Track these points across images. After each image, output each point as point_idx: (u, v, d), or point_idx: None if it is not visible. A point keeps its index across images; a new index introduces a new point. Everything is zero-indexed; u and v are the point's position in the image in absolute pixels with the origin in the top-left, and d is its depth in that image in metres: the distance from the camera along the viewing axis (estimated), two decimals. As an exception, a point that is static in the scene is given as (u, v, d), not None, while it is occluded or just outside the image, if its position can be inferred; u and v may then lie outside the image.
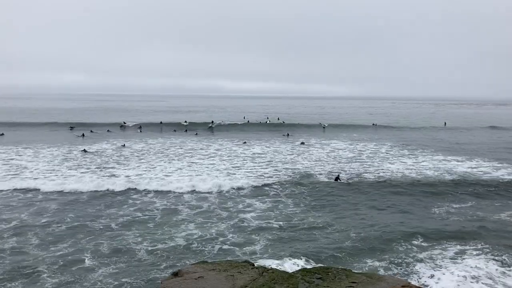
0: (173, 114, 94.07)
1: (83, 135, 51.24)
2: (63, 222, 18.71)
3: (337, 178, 26.74)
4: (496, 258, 14.85)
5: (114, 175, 28.06)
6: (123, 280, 13.28)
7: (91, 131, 55.51)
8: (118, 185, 25.14)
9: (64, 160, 33.78)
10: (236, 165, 32.55)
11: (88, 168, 30.33)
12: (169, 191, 24.25)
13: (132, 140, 47.16)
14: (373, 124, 61.63)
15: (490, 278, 13.33)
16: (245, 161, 34.24)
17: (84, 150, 38.03)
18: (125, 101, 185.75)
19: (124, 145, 42.40)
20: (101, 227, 18.19)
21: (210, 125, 63.71)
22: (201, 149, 41.44)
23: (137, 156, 36.47)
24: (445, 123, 72.59)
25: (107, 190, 24.43)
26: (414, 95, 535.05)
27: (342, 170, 30.49)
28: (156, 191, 24.26)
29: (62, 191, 24.08)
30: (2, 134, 50.45)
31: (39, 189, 24.29)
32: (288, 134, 54.87)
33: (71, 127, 58.50)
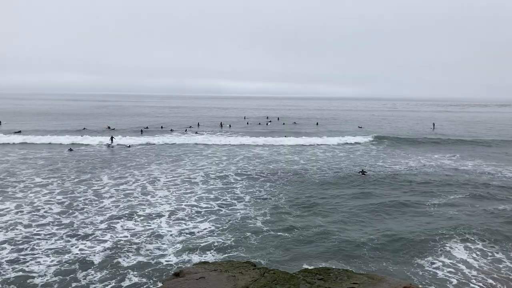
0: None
1: None
2: None
3: (362, 172, 28.39)
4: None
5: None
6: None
7: None
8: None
9: None
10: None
11: None
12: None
13: None
14: (359, 127, 65.41)
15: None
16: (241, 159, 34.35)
17: None
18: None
19: None
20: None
21: None
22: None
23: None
24: (433, 124, 72.90)
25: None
26: (420, 96, 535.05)
27: (338, 168, 30.73)
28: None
29: None
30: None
31: None
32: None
33: None
